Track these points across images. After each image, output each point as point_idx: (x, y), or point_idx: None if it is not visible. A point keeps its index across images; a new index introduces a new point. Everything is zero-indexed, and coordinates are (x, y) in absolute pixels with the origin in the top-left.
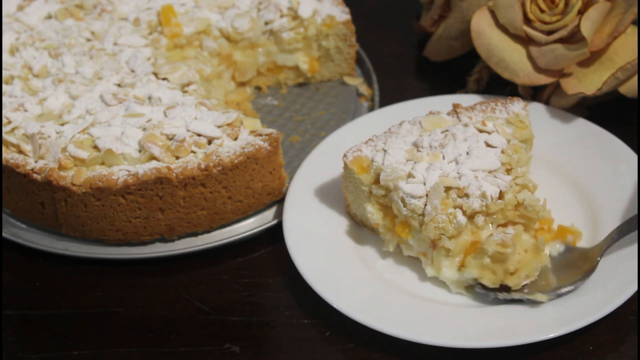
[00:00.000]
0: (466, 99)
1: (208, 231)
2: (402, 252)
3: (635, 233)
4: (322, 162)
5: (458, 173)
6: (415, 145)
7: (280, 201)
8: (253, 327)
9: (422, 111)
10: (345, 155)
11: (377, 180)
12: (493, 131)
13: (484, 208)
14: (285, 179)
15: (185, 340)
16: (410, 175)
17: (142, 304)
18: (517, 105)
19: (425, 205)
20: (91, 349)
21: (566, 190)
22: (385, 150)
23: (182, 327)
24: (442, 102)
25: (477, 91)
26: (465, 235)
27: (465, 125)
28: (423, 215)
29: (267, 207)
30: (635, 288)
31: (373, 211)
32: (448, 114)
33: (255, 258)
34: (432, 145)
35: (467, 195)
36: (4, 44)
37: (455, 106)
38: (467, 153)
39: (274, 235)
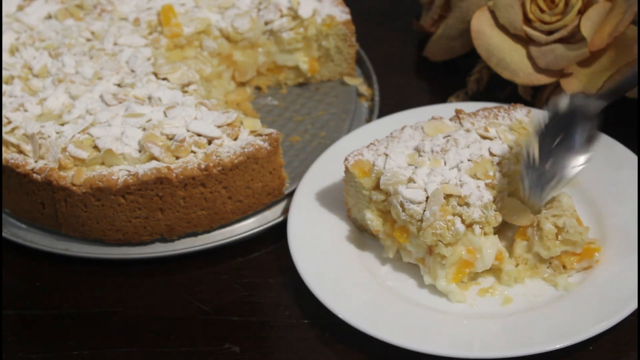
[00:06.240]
0: (470, 107)
1: (208, 231)
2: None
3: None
4: (330, 168)
5: (460, 180)
6: (417, 149)
7: (280, 201)
8: (253, 327)
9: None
10: (346, 159)
11: (377, 185)
12: (495, 137)
13: (483, 219)
14: (285, 179)
15: (185, 340)
16: (410, 180)
17: (142, 304)
18: (520, 112)
19: (424, 211)
20: (91, 349)
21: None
22: (386, 155)
23: (182, 327)
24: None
25: (477, 91)
26: (462, 246)
27: (467, 130)
28: (421, 220)
29: (267, 207)
30: (635, 305)
31: (372, 218)
32: (450, 119)
33: (255, 258)
34: (434, 150)
35: (467, 205)
36: (4, 44)
37: (458, 112)
38: (469, 160)
39: (274, 235)
